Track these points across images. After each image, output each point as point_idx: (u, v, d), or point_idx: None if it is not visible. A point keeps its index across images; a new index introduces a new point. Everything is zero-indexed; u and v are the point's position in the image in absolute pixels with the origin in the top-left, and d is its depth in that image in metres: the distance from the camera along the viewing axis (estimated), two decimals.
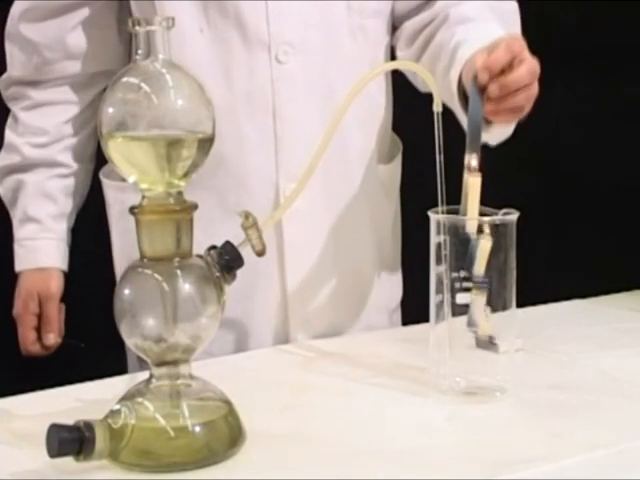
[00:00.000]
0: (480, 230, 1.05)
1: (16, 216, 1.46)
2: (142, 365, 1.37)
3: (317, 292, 1.38)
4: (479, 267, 1.05)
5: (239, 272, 0.99)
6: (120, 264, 1.46)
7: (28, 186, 1.44)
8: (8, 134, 1.46)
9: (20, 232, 1.45)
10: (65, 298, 1.47)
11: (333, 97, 1.34)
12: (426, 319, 1.11)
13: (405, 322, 1.49)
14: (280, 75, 1.32)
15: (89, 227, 1.49)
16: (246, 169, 1.33)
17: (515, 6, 1.41)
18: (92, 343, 1.54)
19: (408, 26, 1.42)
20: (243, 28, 1.31)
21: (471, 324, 1.07)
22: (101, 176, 1.47)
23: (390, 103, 1.46)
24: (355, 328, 1.43)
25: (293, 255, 1.35)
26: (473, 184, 1.06)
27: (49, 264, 1.44)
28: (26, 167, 1.44)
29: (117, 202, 1.43)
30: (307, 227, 1.34)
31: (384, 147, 1.46)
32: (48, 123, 1.44)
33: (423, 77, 1.09)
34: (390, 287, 1.49)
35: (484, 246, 1.05)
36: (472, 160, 1.07)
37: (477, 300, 1.06)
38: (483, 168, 1.07)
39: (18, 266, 1.45)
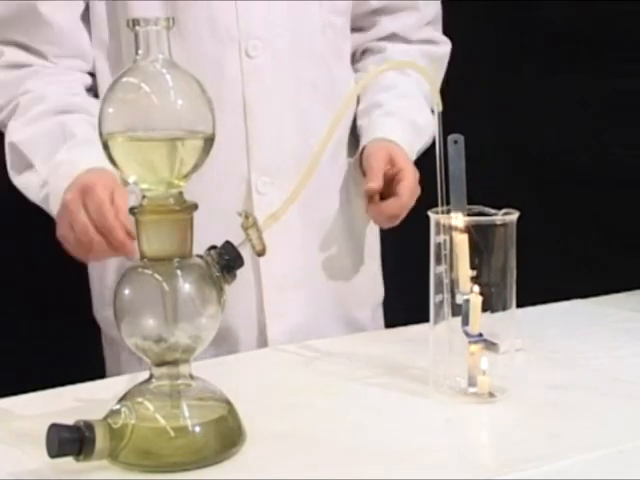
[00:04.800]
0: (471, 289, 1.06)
1: (55, 152, 1.28)
2: (123, 367, 1.38)
3: (292, 286, 1.39)
4: (473, 325, 1.06)
5: None
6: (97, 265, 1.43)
7: (78, 124, 1.30)
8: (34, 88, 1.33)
9: (64, 155, 1.26)
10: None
11: (302, 91, 1.37)
12: (425, 319, 1.11)
13: (406, 322, 1.50)
14: (250, 69, 1.33)
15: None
16: (216, 163, 1.33)
17: (447, 51, 1.54)
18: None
19: (355, 39, 1.49)
20: (213, 23, 1.32)
21: (472, 383, 1.08)
22: None
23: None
24: (336, 323, 1.44)
25: (267, 250, 1.35)
26: (461, 242, 1.06)
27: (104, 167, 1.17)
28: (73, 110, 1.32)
29: None
30: (279, 222, 1.34)
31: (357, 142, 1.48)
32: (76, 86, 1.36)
33: (423, 77, 1.09)
34: (370, 282, 1.50)
35: (475, 302, 1.05)
36: (458, 219, 1.07)
37: (476, 357, 1.07)
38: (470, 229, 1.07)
39: (57, 192, 1.23)
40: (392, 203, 1.34)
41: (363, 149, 1.41)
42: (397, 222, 1.37)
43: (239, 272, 1.32)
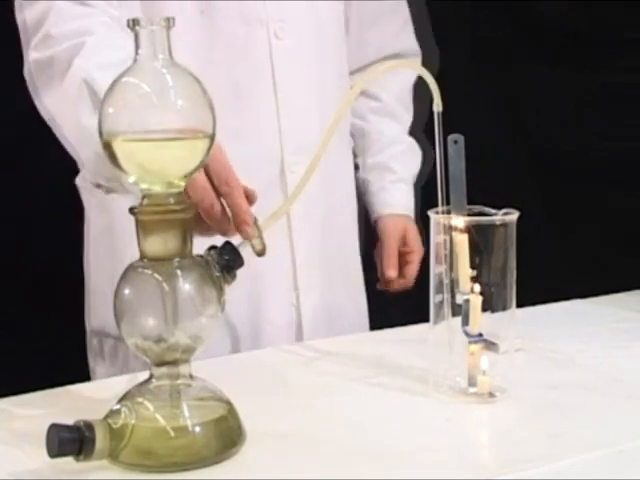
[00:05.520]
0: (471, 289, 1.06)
1: None
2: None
3: (317, 262, 1.44)
4: (473, 325, 1.06)
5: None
6: (94, 264, 1.44)
7: None
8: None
9: None
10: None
11: (325, 69, 1.43)
12: (424, 319, 1.11)
13: (406, 322, 1.50)
14: (279, 51, 1.37)
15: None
16: (250, 147, 1.35)
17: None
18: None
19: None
20: (241, 6, 1.34)
21: (472, 383, 1.08)
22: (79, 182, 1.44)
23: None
24: (348, 305, 1.51)
25: (300, 230, 1.41)
26: (461, 242, 1.06)
27: None
28: None
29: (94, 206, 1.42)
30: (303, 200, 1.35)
31: None
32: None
33: (424, 77, 1.09)
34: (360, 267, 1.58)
35: (475, 302, 1.06)
36: (458, 220, 1.07)
37: (476, 357, 1.07)
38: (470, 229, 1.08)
39: None
40: (399, 283, 1.56)
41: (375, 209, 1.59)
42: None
43: (273, 254, 1.35)
